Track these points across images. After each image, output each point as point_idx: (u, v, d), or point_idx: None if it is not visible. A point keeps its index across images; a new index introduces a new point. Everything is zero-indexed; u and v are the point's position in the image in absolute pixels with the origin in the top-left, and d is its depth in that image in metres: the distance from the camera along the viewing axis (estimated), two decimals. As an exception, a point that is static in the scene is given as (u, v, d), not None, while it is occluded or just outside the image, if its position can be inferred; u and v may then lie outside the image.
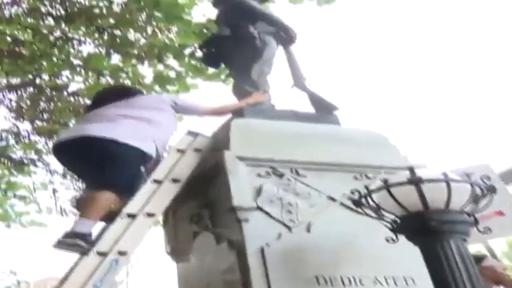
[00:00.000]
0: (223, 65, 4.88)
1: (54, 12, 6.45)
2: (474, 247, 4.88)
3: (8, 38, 6.57)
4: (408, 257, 2.72)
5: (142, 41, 6.25)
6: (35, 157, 7.56)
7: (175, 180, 3.29)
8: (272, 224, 2.98)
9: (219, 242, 3.09)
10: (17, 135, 7.06)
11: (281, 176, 3.18)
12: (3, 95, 6.65)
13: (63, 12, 6.38)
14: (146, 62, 6.26)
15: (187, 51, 6.02)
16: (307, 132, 3.59)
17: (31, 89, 6.66)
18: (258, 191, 3.06)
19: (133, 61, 6.34)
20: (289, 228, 2.99)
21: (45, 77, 6.70)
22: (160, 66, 6.36)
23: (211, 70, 5.87)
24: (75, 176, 7.73)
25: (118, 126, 3.38)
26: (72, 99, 6.79)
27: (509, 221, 3.33)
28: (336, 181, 3.22)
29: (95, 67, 6.37)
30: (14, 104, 6.70)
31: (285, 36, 4.52)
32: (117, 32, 6.35)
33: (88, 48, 6.50)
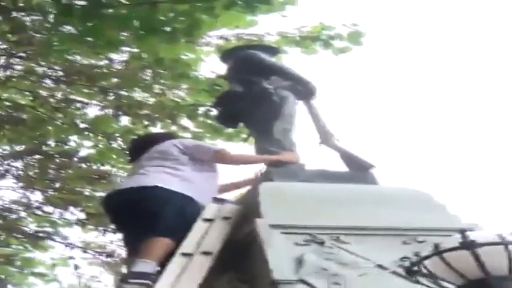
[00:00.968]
0: (241, 124, 4.91)
1: (51, 74, 6.50)
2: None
3: (6, 103, 6.61)
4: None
5: (151, 100, 6.31)
6: (51, 230, 7.52)
7: (206, 253, 3.24)
8: (318, 298, 2.92)
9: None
10: (28, 206, 7.04)
11: (321, 243, 3.14)
12: (9, 164, 6.66)
13: (61, 73, 6.43)
14: (158, 123, 6.31)
15: (201, 110, 6.08)
16: (344, 194, 3.57)
17: (37, 156, 6.67)
18: (299, 262, 2.99)
19: (145, 122, 6.38)
20: (339, 302, 2.93)
21: (51, 143, 6.73)
22: (173, 127, 6.39)
23: (230, 129, 5.88)
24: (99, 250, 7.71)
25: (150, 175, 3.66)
26: (83, 165, 6.79)
27: None
28: (383, 247, 3.16)
29: (104, 130, 6.40)
30: (21, 173, 6.70)
31: (303, 90, 4.53)
32: (122, 92, 6.39)
33: (94, 110, 6.55)
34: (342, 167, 4.14)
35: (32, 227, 7.60)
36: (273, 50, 5.17)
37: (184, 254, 3.25)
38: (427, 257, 2.60)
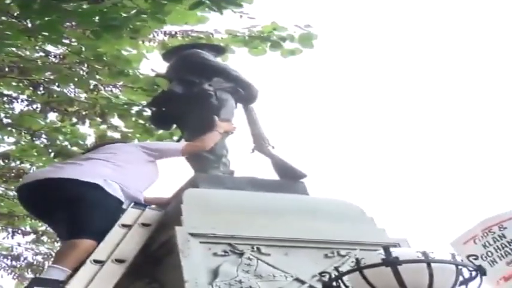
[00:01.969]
0: (175, 126, 4.87)
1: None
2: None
3: None
4: None
5: (83, 97, 6.21)
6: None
7: (119, 261, 3.19)
8: (230, 313, 2.91)
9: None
10: None
11: (241, 254, 3.14)
12: None
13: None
14: (87, 121, 6.21)
15: (134, 109, 6.00)
16: (270, 204, 3.56)
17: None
18: (215, 273, 3.00)
19: (73, 120, 6.28)
20: (249, 317, 2.93)
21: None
22: (103, 126, 6.30)
23: (161, 131, 5.84)
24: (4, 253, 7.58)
25: (74, 166, 3.61)
26: (1, 162, 6.64)
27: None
28: (304, 260, 3.18)
29: (28, 127, 6.27)
30: None
31: (244, 94, 4.53)
32: (54, 87, 6.28)
33: (20, 105, 6.41)
34: (273, 175, 4.15)
35: None
36: (219, 49, 5.19)
37: (96, 261, 3.20)
38: (346, 273, 2.61)
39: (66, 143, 6.48)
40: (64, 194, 3.45)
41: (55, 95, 6.22)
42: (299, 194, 3.88)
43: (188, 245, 3.08)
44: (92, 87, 6.04)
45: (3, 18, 5.07)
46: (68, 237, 3.33)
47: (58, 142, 6.43)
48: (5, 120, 6.49)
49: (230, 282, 2.96)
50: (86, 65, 5.95)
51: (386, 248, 2.54)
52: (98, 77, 5.94)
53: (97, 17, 4.68)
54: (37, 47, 6.04)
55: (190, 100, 4.32)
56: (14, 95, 6.49)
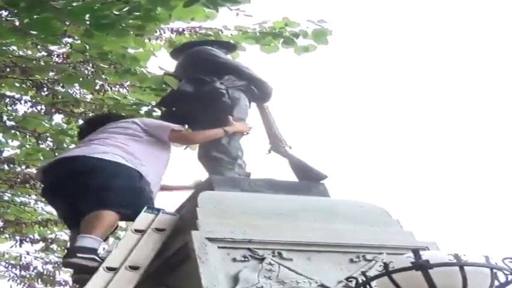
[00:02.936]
0: (186, 127, 4.86)
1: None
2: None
3: None
4: None
5: (89, 98, 6.21)
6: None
7: (133, 268, 3.19)
8: (252, 321, 2.90)
9: None
10: None
11: (261, 259, 3.12)
12: None
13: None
14: (96, 123, 6.22)
15: (143, 110, 5.99)
16: (290, 206, 3.55)
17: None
18: (235, 280, 2.98)
19: (80, 122, 6.27)
20: (273, 325, 2.92)
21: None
22: (112, 127, 6.31)
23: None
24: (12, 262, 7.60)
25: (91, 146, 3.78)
26: (6, 167, 6.65)
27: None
28: (328, 265, 3.17)
29: (34, 129, 6.28)
30: None
31: (258, 92, 4.52)
32: (59, 88, 6.29)
33: (24, 107, 6.42)
34: (291, 177, 4.15)
35: None
36: (230, 47, 5.18)
37: (109, 269, 3.19)
38: (375, 277, 2.60)
39: (72, 145, 6.49)
40: (92, 173, 3.61)
41: (60, 96, 6.22)
42: (320, 196, 3.87)
43: (205, 250, 3.07)
44: (98, 87, 6.05)
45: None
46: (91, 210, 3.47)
47: (65, 145, 6.43)
48: (9, 123, 6.50)
49: (250, 288, 2.95)
50: (90, 64, 5.96)
51: (415, 251, 2.53)
52: (104, 76, 5.95)
53: (87, 15, 4.68)
54: (39, 46, 6.06)
55: (201, 99, 4.31)
56: (17, 96, 6.50)
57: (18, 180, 6.72)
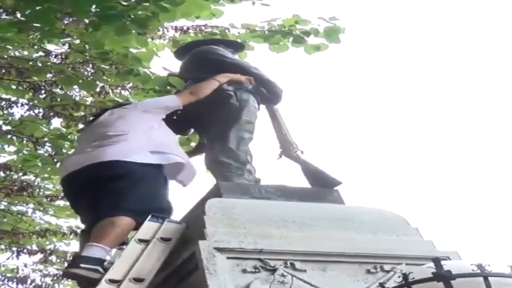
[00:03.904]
0: (192, 130, 4.86)
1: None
2: None
3: None
4: None
5: (89, 100, 6.23)
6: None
7: (137, 280, 3.17)
8: (265, 335, 2.90)
9: None
10: None
11: (273, 271, 3.11)
12: None
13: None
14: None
15: (146, 113, 6.00)
16: (303, 214, 3.54)
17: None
18: (245, 292, 2.98)
19: (79, 126, 6.28)
20: None
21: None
22: (114, 132, 6.32)
23: (178, 136, 5.84)
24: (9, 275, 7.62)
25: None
26: (2, 173, 6.67)
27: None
28: (344, 276, 3.16)
29: (31, 134, 6.30)
30: None
31: (268, 94, 4.52)
32: (57, 90, 6.30)
33: (21, 110, 6.43)
34: (303, 183, 4.15)
35: None
36: (237, 46, 5.19)
37: (111, 281, 3.18)
38: (393, 289, 2.59)
39: (72, 151, 6.51)
40: (104, 174, 3.62)
41: (58, 99, 6.24)
42: (334, 203, 3.87)
43: (214, 261, 3.06)
44: (98, 89, 6.07)
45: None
46: (104, 215, 3.49)
47: (64, 150, 6.43)
48: (5, 127, 6.51)
49: (263, 302, 2.95)
50: (90, 65, 5.97)
51: (436, 261, 2.52)
52: (104, 77, 5.96)
53: (93, 6, 4.68)
54: (36, 46, 6.07)
55: (208, 102, 4.29)
56: (13, 99, 6.51)
57: (15, 188, 6.74)
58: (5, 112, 6.55)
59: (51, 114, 6.31)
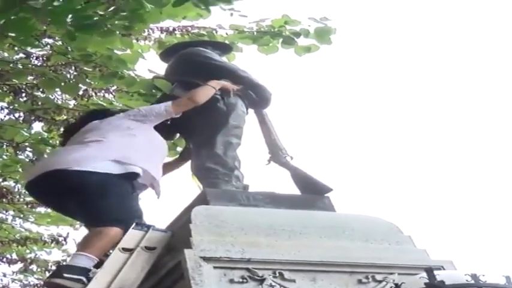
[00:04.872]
0: (178, 135, 4.86)
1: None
2: None
3: None
4: None
5: (73, 104, 6.21)
6: None
7: (121, 291, 3.20)
8: None
9: None
10: None
11: (261, 281, 3.11)
12: None
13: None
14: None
15: (131, 117, 6.00)
16: (292, 222, 3.54)
17: None
18: (233, 304, 2.98)
19: (61, 130, 6.26)
20: None
21: None
22: (97, 136, 6.32)
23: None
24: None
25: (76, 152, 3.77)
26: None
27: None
28: (335, 286, 3.17)
29: (10, 139, 6.28)
30: None
31: (256, 97, 4.52)
32: (38, 93, 6.28)
33: (0, 114, 6.40)
34: (293, 190, 4.15)
35: None
36: (225, 48, 5.20)
37: (94, 292, 3.18)
38: (385, 300, 2.60)
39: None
40: (76, 184, 3.62)
41: (40, 102, 6.20)
42: (324, 211, 3.87)
43: (200, 270, 3.06)
44: (81, 92, 6.05)
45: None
46: (92, 224, 3.59)
47: (45, 156, 6.41)
48: (-18, 132, 6.49)
49: (250, 313, 2.95)
50: (73, 67, 5.95)
51: (429, 271, 2.54)
52: (88, 80, 5.94)
53: (69, 16, 4.68)
54: (16, 48, 6.06)
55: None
56: (-8, 103, 6.49)
57: (-3, 194, 6.72)
58: (-17, 116, 6.54)
59: (32, 118, 6.27)
